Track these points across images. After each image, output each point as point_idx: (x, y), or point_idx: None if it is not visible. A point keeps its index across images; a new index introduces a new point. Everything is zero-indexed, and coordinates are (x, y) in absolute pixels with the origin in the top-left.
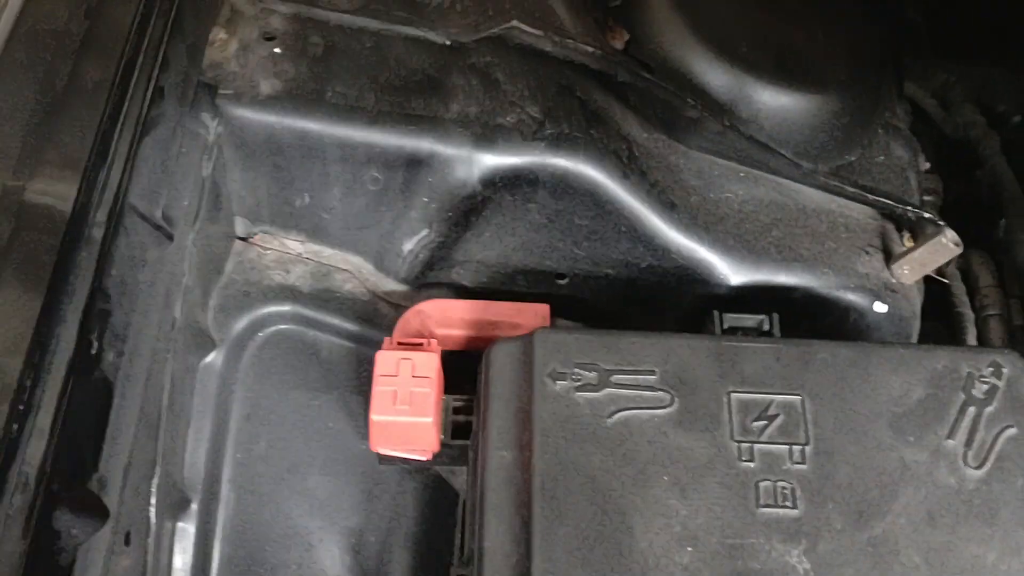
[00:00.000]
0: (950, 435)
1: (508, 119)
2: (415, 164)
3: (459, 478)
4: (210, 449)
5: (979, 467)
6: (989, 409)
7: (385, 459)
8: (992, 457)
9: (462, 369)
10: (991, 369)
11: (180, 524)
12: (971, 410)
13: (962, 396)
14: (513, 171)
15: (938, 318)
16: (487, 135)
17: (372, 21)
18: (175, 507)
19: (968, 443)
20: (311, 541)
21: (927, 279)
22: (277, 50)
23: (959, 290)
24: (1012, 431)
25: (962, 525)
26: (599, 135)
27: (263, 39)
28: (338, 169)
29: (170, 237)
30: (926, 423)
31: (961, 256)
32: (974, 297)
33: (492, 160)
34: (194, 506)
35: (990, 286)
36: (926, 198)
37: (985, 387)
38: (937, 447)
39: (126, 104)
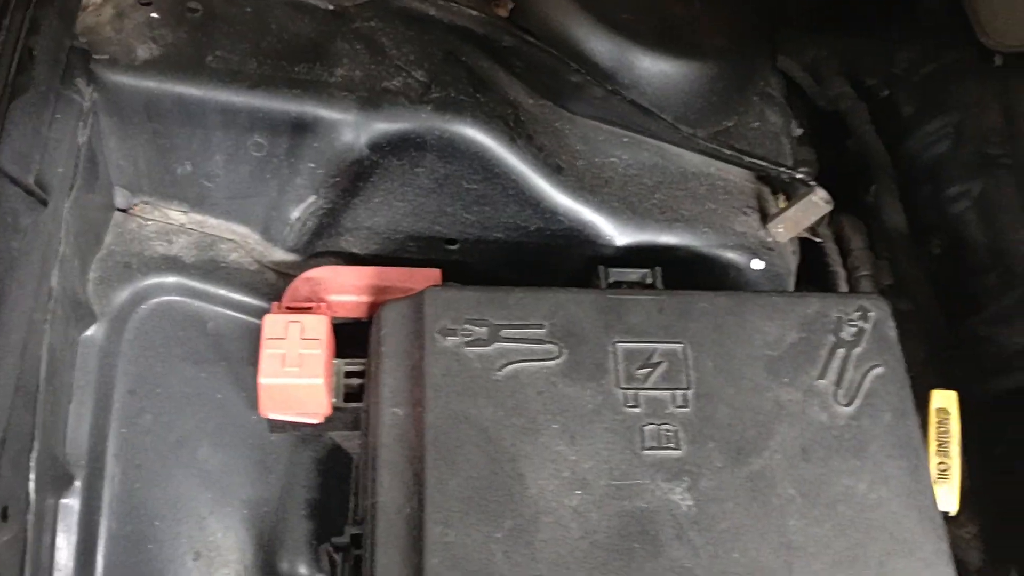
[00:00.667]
0: (821, 375)
1: (394, 83)
2: (300, 129)
3: (353, 443)
4: (93, 424)
5: (849, 404)
6: (857, 350)
7: (276, 425)
8: (861, 395)
9: (353, 336)
10: (858, 313)
11: (64, 500)
12: (840, 351)
13: (832, 339)
14: (400, 135)
15: (812, 281)
16: (373, 99)
17: None
18: (57, 483)
19: (838, 382)
20: (202, 513)
21: (803, 243)
22: (154, 15)
23: (832, 251)
24: (879, 370)
25: (834, 459)
26: (485, 100)
27: (139, 4)
28: (220, 136)
29: (44, 203)
30: (799, 365)
31: (834, 221)
32: (846, 259)
33: (378, 124)
34: (78, 482)
35: (861, 248)
36: (802, 169)
37: (853, 330)
38: (809, 387)
39: None
